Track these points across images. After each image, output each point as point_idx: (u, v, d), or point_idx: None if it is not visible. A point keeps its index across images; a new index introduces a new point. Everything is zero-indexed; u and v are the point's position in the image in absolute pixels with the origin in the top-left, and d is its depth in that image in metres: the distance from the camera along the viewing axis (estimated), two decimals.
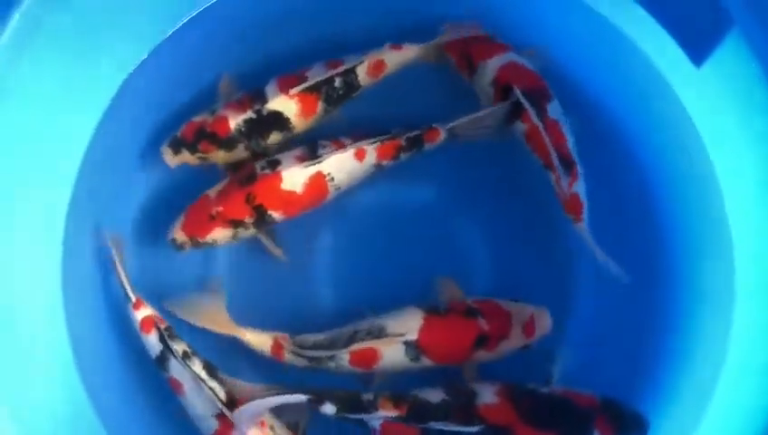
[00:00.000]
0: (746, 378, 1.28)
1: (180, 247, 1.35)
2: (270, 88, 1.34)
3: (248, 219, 1.32)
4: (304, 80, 1.33)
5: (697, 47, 1.27)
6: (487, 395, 1.23)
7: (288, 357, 1.31)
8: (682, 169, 1.35)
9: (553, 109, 1.31)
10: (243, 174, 1.33)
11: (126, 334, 1.33)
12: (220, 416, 1.24)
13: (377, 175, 1.35)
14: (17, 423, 1.17)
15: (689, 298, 1.35)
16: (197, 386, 1.25)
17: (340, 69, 1.33)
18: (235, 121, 1.34)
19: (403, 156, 1.33)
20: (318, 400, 1.20)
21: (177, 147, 1.36)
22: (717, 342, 1.29)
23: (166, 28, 1.29)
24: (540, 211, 1.43)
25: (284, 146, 1.37)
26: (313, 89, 1.33)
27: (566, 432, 1.22)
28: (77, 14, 1.21)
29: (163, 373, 1.29)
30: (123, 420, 1.31)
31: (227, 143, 1.35)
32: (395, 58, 1.35)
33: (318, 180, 1.30)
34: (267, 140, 1.36)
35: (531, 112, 1.29)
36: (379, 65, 1.35)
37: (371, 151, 1.31)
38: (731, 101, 1.27)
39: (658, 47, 1.30)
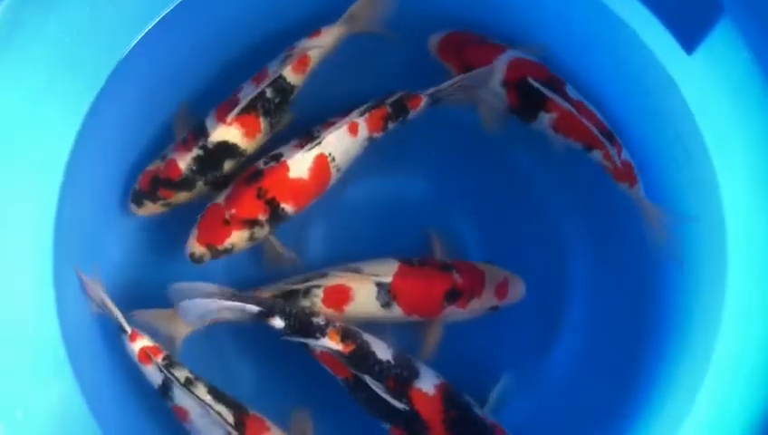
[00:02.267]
0: (734, 378, 1.29)
1: (199, 260, 1.31)
2: (209, 120, 1.33)
3: (262, 216, 1.30)
4: (237, 103, 1.31)
5: (688, 34, 1.27)
6: (427, 383, 1.24)
7: None
8: (677, 157, 1.34)
9: (571, 91, 1.34)
10: (247, 173, 1.31)
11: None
12: None
13: (370, 163, 1.36)
14: (5, 418, 1.17)
15: (682, 286, 1.35)
16: (203, 412, 1.22)
17: (268, 80, 1.31)
18: (184, 163, 1.33)
19: (390, 125, 1.33)
20: (269, 313, 1.21)
21: (138, 199, 1.35)
22: (706, 340, 1.30)
23: (138, 31, 1.31)
24: (534, 203, 1.45)
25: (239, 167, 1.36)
26: (249, 108, 1.32)
27: None
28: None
29: (167, 402, 1.25)
30: (119, 421, 1.31)
31: (184, 185, 1.34)
32: (317, 46, 1.34)
33: (321, 162, 1.29)
34: (223, 171, 1.35)
35: (557, 100, 1.30)
36: (303, 59, 1.34)
37: (363, 124, 1.31)
38: (723, 87, 1.28)
39: (653, 34, 1.31)
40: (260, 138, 1.35)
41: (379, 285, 1.28)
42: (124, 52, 1.30)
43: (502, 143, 1.42)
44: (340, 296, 1.28)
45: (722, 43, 1.25)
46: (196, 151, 1.32)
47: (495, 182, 1.46)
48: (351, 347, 1.22)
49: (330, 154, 1.30)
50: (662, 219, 1.30)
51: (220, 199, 1.31)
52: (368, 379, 1.20)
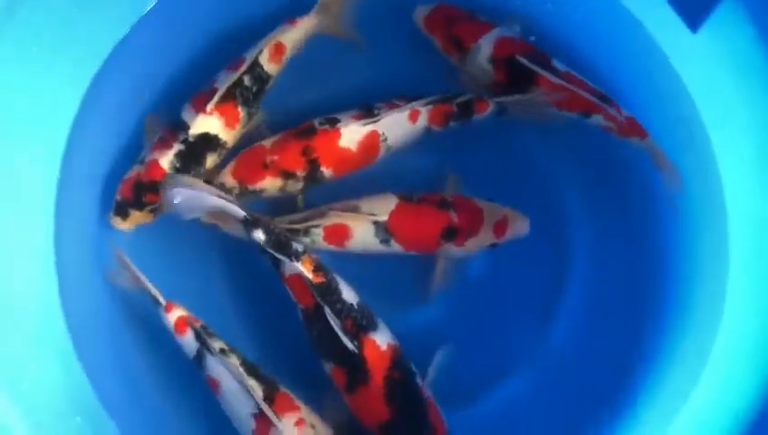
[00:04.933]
0: (737, 356, 1.29)
1: (227, 192, 1.32)
2: (187, 113, 1.31)
3: (300, 172, 1.33)
4: (215, 92, 1.30)
5: (693, 12, 1.27)
6: (382, 339, 1.24)
7: None
8: (680, 139, 1.34)
9: (558, 63, 1.35)
10: (301, 128, 1.33)
11: (122, 309, 1.35)
12: (258, 415, 1.22)
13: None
14: (17, 403, 1.20)
15: (685, 263, 1.36)
16: (235, 384, 1.23)
17: (245, 66, 1.31)
18: (166, 161, 1.30)
19: (452, 123, 1.35)
20: (253, 223, 1.23)
21: (123, 210, 1.31)
22: (710, 317, 1.31)
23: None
24: (535, 173, 1.45)
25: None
26: (228, 97, 1.31)
27: (398, 426, 1.23)
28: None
29: (201, 372, 1.27)
30: (120, 395, 1.33)
31: None
32: (292, 35, 1.35)
33: (372, 139, 1.32)
34: (206, 166, 1.33)
35: (547, 75, 1.32)
36: (279, 48, 1.34)
37: (424, 113, 1.33)
38: (727, 67, 1.28)
39: (655, 14, 1.32)
40: (239, 129, 1.33)
41: (376, 223, 1.31)
42: (127, 28, 1.33)
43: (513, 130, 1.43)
44: (339, 234, 1.31)
45: (726, 21, 1.25)
46: (177, 147, 1.30)
47: (496, 152, 1.45)
48: (321, 279, 1.24)
49: (383, 134, 1.32)
50: (676, 169, 1.32)
51: (267, 142, 1.33)
52: (327, 311, 1.22)
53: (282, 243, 1.25)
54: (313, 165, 1.32)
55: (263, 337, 1.39)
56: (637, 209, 1.38)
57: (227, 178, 1.32)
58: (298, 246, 1.26)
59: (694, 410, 1.26)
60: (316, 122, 1.33)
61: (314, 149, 1.32)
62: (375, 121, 1.31)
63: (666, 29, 1.31)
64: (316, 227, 1.31)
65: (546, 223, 1.41)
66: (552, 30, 1.39)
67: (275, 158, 1.32)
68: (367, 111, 1.34)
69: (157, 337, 1.32)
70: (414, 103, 1.33)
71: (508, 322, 1.42)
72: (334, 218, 1.31)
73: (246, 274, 1.40)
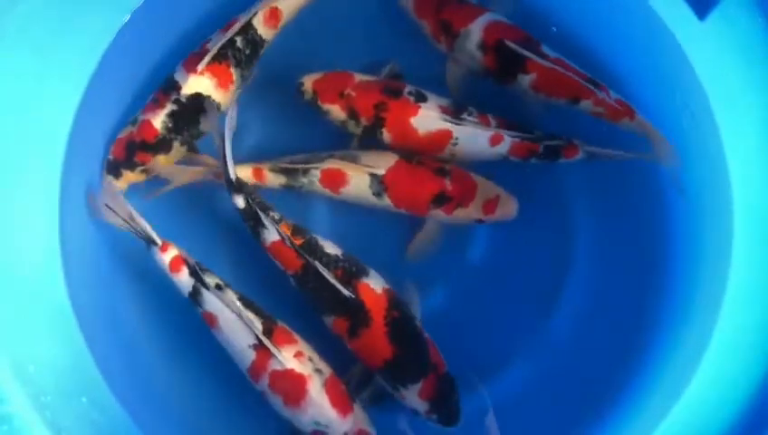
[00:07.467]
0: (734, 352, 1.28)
1: (301, 93, 1.36)
2: (179, 73, 1.30)
3: (364, 121, 1.35)
4: (206, 53, 1.28)
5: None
6: (375, 283, 1.29)
7: (269, 177, 1.36)
8: (684, 124, 1.33)
9: (547, 48, 1.34)
10: (391, 85, 1.35)
11: (124, 278, 1.36)
12: (257, 347, 1.24)
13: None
14: (24, 386, 1.17)
15: (687, 252, 1.37)
16: (232, 318, 1.25)
17: (236, 27, 1.29)
18: (159, 121, 1.29)
19: (534, 161, 1.35)
20: (237, 190, 1.27)
21: (115, 170, 1.31)
22: (712, 297, 1.30)
23: None
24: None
25: None
26: (220, 57, 1.29)
27: (401, 363, 1.27)
28: None
29: (197, 309, 1.27)
30: (121, 368, 1.32)
31: (161, 145, 1.30)
32: (289, 1, 1.34)
33: (442, 137, 1.33)
34: (199, 128, 1.32)
35: (537, 60, 1.31)
36: (275, 13, 1.33)
37: (507, 143, 1.33)
38: (734, 53, 1.26)
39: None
40: (232, 90, 1.32)
41: (372, 175, 1.33)
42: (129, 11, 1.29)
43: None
44: (335, 180, 1.34)
45: (735, 8, 1.22)
46: (169, 107, 1.29)
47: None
48: (301, 240, 1.28)
49: (456, 139, 1.32)
50: (668, 144, 1.32)
51: (358, 76, 1.35)
52: (318, 265, 1.25)
53: (262, 208, 1.27)
54: (378, 122, 1.34)
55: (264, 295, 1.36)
56: (640, 196, 1.39)
57: (308, 83, 1.36)
58: (275, 214, 1.28)
59: (694, 396, 1.26)
60: (406, 89, 1.34)
61: (387, 109, 1.33)
62: (455, 123, 1.31)
63: (674, 12, 1.30)
64: (315, 168, 1.33)
65: (549, 212, 1.43)
66: (559, 12, 1.39)
67: (353, 93, 1.34)
68: (456, 109, 1.33)
69: (161, 309, 1.36)
70: (502, 130, 1.32)
71: (510, 309, 1.43)
72: (334, 164, 1.33)
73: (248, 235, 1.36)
